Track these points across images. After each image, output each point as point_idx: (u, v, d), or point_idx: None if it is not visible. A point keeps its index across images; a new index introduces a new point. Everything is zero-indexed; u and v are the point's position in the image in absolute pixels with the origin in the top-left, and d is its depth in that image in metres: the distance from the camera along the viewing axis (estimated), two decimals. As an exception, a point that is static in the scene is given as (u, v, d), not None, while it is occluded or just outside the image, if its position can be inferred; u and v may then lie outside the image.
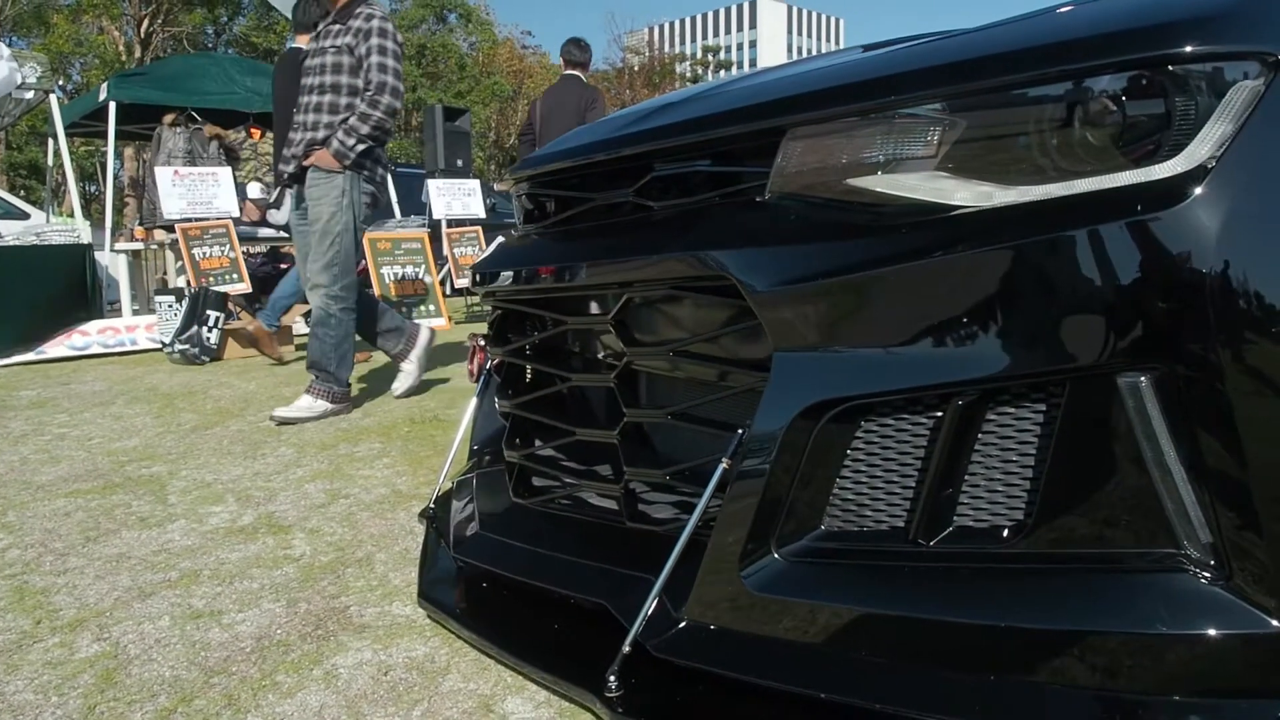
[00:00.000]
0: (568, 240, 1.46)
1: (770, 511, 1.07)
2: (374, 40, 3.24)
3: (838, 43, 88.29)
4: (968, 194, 0.97)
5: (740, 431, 1.11)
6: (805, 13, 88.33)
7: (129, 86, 7.44)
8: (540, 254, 1.47)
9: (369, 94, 3.23)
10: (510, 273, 1.48)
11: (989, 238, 0.94)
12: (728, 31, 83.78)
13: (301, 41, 4.67)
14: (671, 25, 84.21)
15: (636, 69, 37.43)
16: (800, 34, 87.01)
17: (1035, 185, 0.93)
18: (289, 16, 5.26)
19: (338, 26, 3.30)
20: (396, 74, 3.28)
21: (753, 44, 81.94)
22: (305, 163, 3.26)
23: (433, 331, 3.85)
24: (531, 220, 1.60)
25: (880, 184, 1.02)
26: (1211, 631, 0.86)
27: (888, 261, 0.99)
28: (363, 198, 3.31)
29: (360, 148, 3.22)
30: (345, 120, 3.23)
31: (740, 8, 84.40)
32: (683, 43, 78.29)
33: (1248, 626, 0.85)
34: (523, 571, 1.42)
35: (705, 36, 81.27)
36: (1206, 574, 0.88)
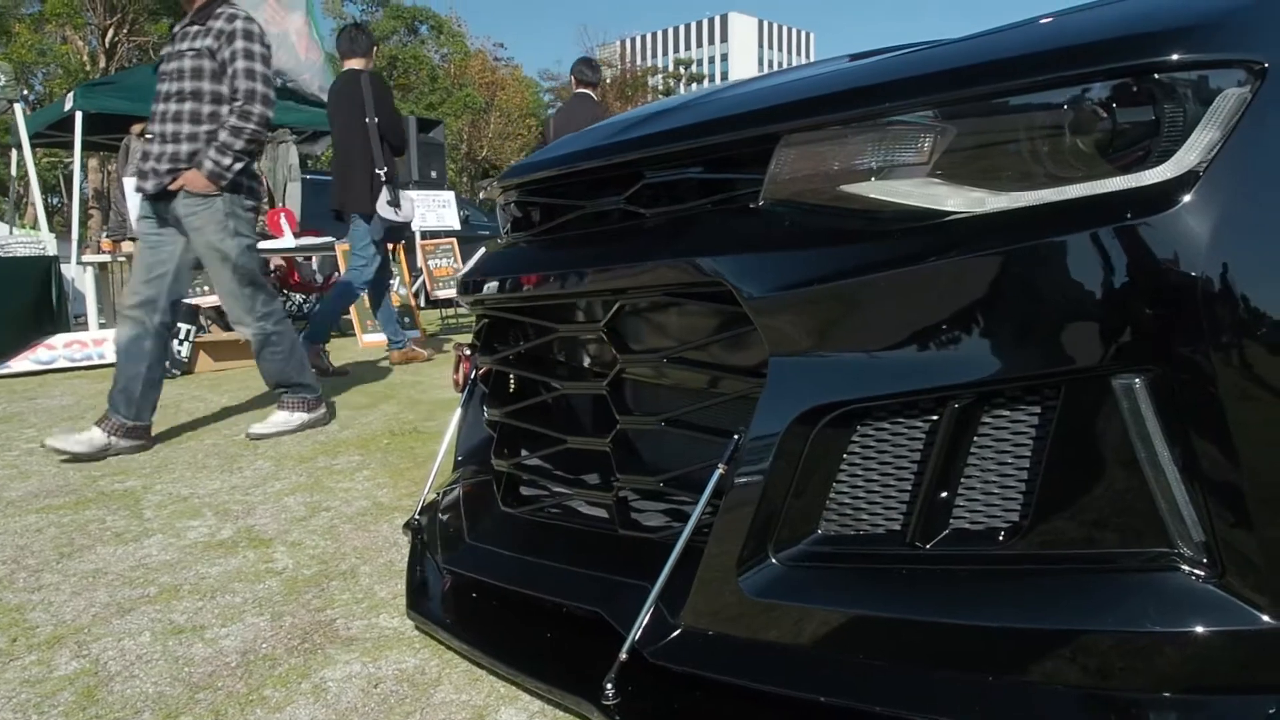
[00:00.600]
0: (558, 248, 1.45)
1: (767, 516, 1.07)
2: (239, 44, 2.96)
3: (808, 56, 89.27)
4: (960, 200, 0.98)
5: (736, 437, 1.11)
6: (776, 26, 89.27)
7: (96, 96, 7.33)
8: (530, 261, 1.47)
9: (238, 104, 2.95)
10: (498, 281, 1.48)
11: (981, 243, 0.95)
12: (699, 45, 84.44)
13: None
14: (643, 38, 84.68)
15: (609, 81, 37.55)
16: (771, 47, 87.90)
17: (1026, 191, 0.95)
18: None
19: (196, 28, 3.01)
20: (266, 80, 3.01)
21: (724, 57, 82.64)
22: (173, 186, 2.95)
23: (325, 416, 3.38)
24: (520, 228, 1.60)
25: (873, 190, 1.03)
26: (1204, 629, 0.88)
27: (882, 267, 1.00)
28: (248, 214, 3.09)
29: (238, 166, 2.97)
30: (213, 136, 2.95)
31: (711, 21, 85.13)
32: (655, 56, 78.78)
33: (1240, 623, 0.87)
34: (514, 580, 1.41)
35: (677, 49, 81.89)
36: (1199, 572, 0.89)
